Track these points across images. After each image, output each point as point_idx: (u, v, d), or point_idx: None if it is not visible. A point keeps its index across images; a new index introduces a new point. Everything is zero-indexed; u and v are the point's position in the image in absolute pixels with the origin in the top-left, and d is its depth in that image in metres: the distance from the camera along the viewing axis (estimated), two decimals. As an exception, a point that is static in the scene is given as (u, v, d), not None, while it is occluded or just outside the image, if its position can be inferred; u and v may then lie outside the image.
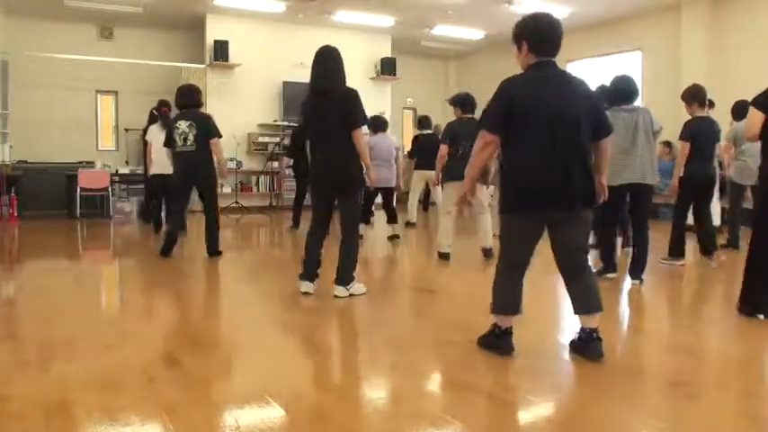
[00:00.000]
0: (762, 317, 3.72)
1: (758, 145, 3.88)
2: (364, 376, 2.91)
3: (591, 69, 11.33)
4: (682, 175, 5.54)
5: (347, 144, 4.18)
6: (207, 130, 5.92)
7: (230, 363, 3.03)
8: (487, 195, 6.27)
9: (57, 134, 11.24)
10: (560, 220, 2.92)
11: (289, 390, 2.59)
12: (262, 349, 3.35)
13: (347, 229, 4.35)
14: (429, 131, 8.81)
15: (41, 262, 6.42)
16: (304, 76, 11.84)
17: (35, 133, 10.97)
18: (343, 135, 4.16)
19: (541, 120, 2.82)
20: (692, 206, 5.87)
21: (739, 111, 6.83)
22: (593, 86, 3.22)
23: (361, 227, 7.38)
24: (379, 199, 7.96)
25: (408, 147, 10.25)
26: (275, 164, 12.13)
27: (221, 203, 7.04)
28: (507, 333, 3.03)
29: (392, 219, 7.62)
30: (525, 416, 2.44)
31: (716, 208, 7.06)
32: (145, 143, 8.58)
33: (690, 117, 5.62)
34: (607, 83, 5.12)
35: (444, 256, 6.03)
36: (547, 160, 2.82)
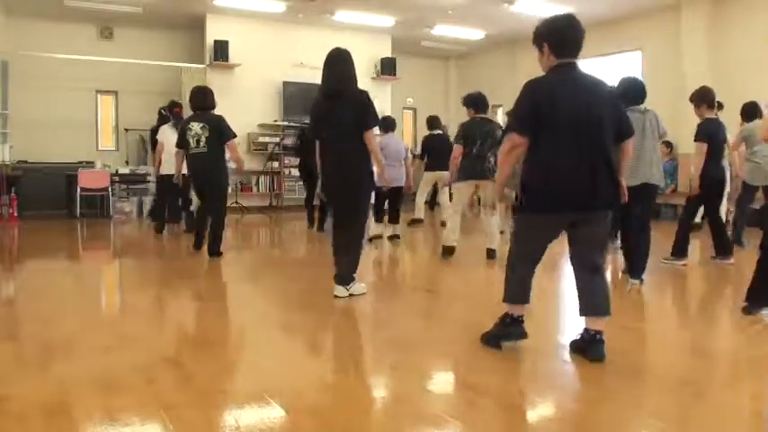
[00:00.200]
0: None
1: None
2: (364, 376, 2.91)
3: (591, 69, 11.26)
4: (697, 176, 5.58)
5: (359, 146, 4.19)
6: (221, 132, 5.94)
7: (230, 363, 3.03)
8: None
9: (57, 134, 11.23)
10: (582, 220, 2.94)
11: (289, 390, 2.59)
12: (262, 349, 3.35)
13: (351, 231, 4.35)
14: (439, 131, 8.82)
15: (41, 262, 6.42)
16: (304, 76, 11.83)
17: (35, 133, 10.97)
18: (354, 137, 4.17)
19: (566, 121, 2.84)
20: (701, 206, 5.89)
21: (749, 112, 6.84)
22: None
23: (378, 226, 7.45)
24: None
25: (411, 146, 10.25)
26: (275, 164, 12.13)
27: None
28: (519, 321, 3.09)
29: (395, 219, 7.62)
30: (526, 416, 2.44)
31: (722, 208, 7.06)
32: (155, 142, 8.57)
33: (699, 119, 5.66)
34: (609, 84, 5.13)
35: (449, 250, 6.07)
36: (572, 161, 2.84)
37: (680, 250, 5.69)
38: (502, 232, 7.78)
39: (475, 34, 12.65)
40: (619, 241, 5.73)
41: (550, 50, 2.97)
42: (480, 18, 11.44)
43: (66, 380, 2.67)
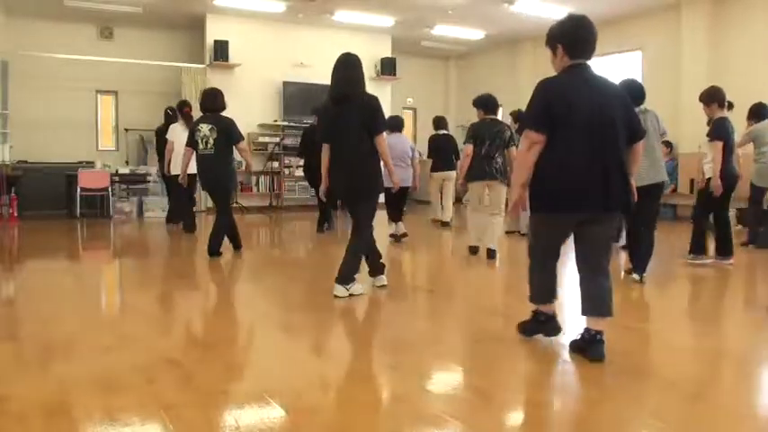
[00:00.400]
0: None
1: None
2: (364, 376, 2.90)
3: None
4: (709, 175, 5.61)
5: (368, 150, 4.25)
6: (230, 135, 6.05)
7: (230, 363, 3.03)
8: (504, 196, 6.32)
9: (57, 134, 11.24)
10: (592, 219, 2.95)
11: (289, 390, 2.59)
12: (262, 349, 3.35)
13: (357, 231, 4.40)
14: (444, 132, 8.82)
15: (41, 262, 6.42)
16: (304, 76, 11.83)
17: (35, 133, 10.98)
18: (363, 141, 4.22)
19: (579, 122, 2.85)
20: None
21: (757, 113, 6.85)
22: None
23: (391, 226, 7.47)
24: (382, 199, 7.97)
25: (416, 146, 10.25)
26: (275, 164, 12.13)
27: (210, 204, 7.13)
28: (551, 317, 3.19)
29: (398, 217, 7.60)
30: (526, 416, 2.44)
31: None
32: (161, 142, 8.55)
33: (708, 118, 5.71)
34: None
35: (472, 250, 6.14)
36: (584, 161, 2.85)
37: (699, 248, 5.73)
38: (508, 233, 7.80)
39: (475, 34, 12.65)
40: (622, 241, 5.75)
41: (564, 51, 2.99)
42: (480, 18, 11.44)
43: (66, 380, 2.67)
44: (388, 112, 12.20)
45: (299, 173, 12.10)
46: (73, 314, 3.99)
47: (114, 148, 12.19)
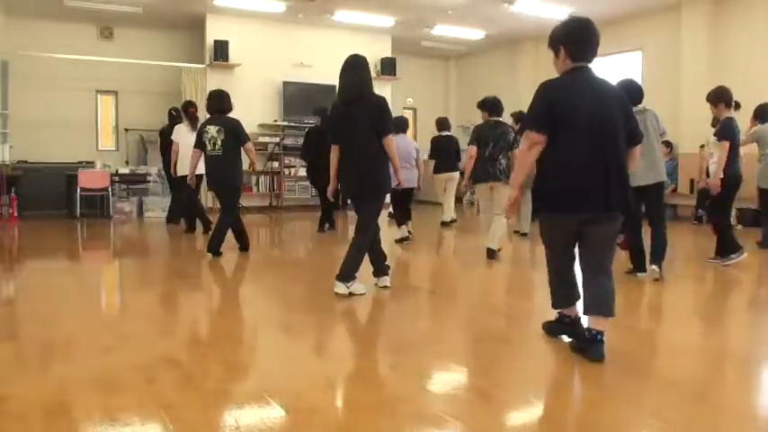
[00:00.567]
0: None
1: None
2: (364, 376, 2.90)
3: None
4: (722, 176, 5.61)
5: (376, 151, 4.30)
6: (238, 136, 6.15)
7: (230, 363, 3.03)
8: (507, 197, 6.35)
9: (57, 134, 11.23)
10: (594, 219, 2.97)
11: (289, 390, 2.59)
12: (262, 349, 3.35)
13: (360, 229, 4.44)
14: (447, 133, 8.83)
15: (41, 262, 6.42)
16: (304, 76, 11.84)
17: (35, 133, 10.97)
18: (372, 142, 4.28)
19: (580, 123, 2.88)
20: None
21: (762, 113, 6.84)
22: None
23: (402, 229, 7.47)
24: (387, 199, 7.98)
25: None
26: (275, 164, 12.12)
27: (217, 204, 7.14)
28: (576, 320, 3.20)
29: (405, 218, 7.59)
30: (526, 416, 2.44)
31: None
32: (166, 143, 8.52)
33: (713, 118, 5.76)
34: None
35: (488, 253, 6.13)
36: (585, 162, 2.88)
37: (733, 246, 5.72)
38: (516, 232, 7.80)
39: (475, 34, 12.65)
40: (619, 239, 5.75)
41: (567, 54, 3.01)
42: (480, 18, 11.43)
43: (66, 380, 2.67)
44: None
45: (300, 173, 12.13)
46: (73, 314, 3.99)
47: (114, 148, 12.18)
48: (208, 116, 6.28)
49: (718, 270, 5.64)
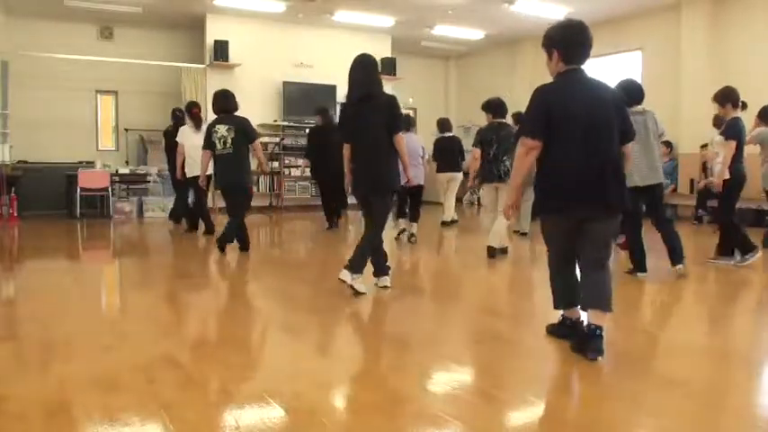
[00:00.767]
0: None
1: None
2: (365, 376, 2.91)
3: (591, 70, 11.31)
4: (728, 176, 5.61)
5: (387, 149, 4.35)
6: (246, 133, 6.22)
7: (231, 363, 3.03)
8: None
9: (57, 134, 11.23)
10: (592, 218, 3.01)
11: (289, 390, 2.59)
12: (262, 349, 3.35)
13: (373, 225, 4.48)
14: (449, 134, 8.84)
15: (41, 262, 6.42)
16: (304, 76, 11.81)
17: (35, 133, 10.96)
18: (382, 139, 4.33)
19: (575, 125, 2.92)
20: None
21: (765, 115, 6.84)
22: None
23: (399, 221, 7.50)
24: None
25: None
26: (275, 164, 12.12)
27: (221, 204, 7.17)
28: (577, 323, 3.21)
29: (414, 218, 7.58)
30: (526, 415, 2.44)
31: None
32: (171, 144, 8.46)
33: (719, 118, 5.79)
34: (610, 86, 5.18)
35: (489, 251, 6.13)
36: (581, 164, 2.92)
37: (747, 246, 5.71)
38: (516, 231, 7.80)
39: (475, 34, 12.65)
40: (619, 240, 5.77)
41: (560, 57, 3.04)
42: (480, 18, 11.43)
43: (66, 380, 2.67)
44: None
45: (299, 173, 12.13)
46: (73, 314, 3.99)
47: (114, 148, 12.18)
48: (214, 116, 6.32)
49: (719, 270, 5.64)
